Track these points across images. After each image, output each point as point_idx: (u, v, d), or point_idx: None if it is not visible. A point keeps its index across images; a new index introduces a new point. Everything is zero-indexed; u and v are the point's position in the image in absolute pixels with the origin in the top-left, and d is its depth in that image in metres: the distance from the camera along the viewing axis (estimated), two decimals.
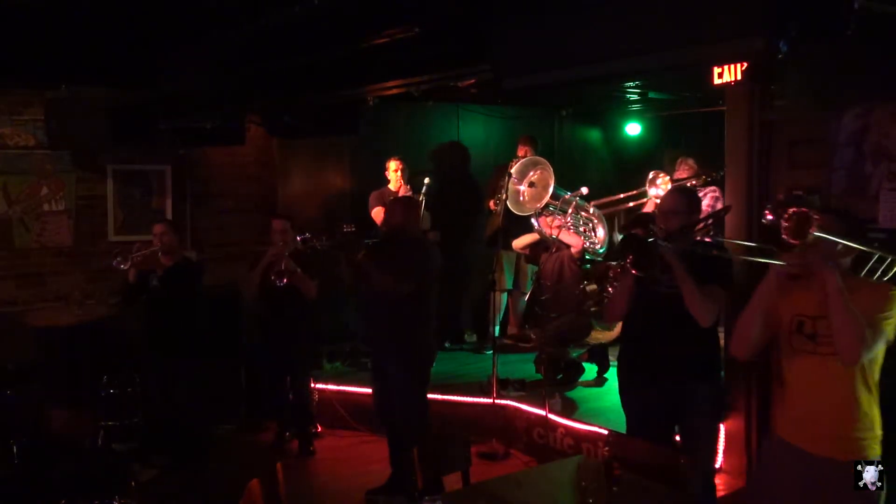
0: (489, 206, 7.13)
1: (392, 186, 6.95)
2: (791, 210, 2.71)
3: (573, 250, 6.12)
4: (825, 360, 2.91)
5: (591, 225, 6.33)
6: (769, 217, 2.74)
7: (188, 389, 5.73)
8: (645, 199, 6.41)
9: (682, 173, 6.48)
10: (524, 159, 6.57)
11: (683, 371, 3.69)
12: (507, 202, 6.43)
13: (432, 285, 4.88)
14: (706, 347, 3.72)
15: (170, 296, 5.60)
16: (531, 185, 6.46)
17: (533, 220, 6.26)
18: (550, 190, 6.22)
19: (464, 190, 7.85)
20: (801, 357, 2.99)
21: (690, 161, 6.55)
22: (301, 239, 5.39)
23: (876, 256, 2.85)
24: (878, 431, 2.93)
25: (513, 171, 6.46)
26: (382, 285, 4.72)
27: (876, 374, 2.91)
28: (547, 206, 6.17)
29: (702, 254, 3.62)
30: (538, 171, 6.44)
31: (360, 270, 4.79)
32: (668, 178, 6.23)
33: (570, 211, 6.14)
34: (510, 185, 6.45)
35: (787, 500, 3.00)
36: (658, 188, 6.19)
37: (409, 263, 4.74)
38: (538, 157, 6.57)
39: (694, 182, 6.19)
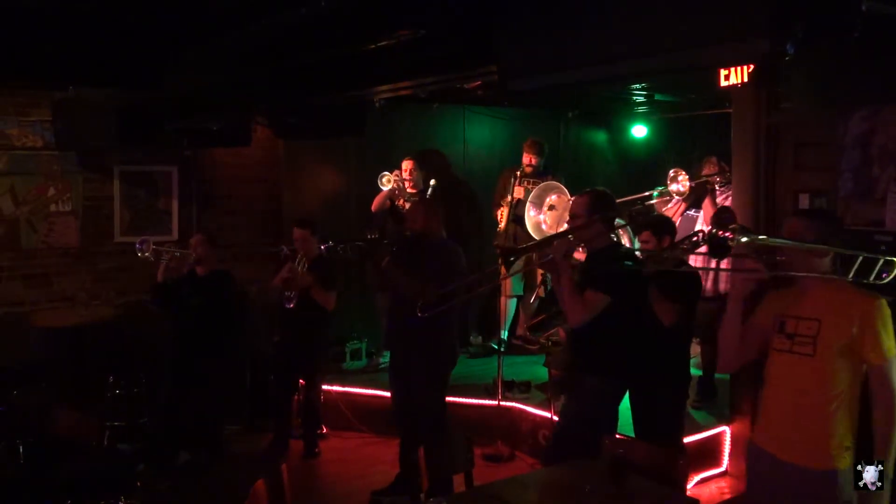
0: (496, 216, 7.15)
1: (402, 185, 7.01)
2: (732, 225, 2.71)
3: None
4: (801, 360, 2.86)
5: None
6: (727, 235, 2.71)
7: (206, 393, 5.79)
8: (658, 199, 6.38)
9: (708, 170, 6.44)
10: (539, 186, 6.53)
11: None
12: (530, 231, 6.45)
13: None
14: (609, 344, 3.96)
15: (202, 305, 5.70)
16: (551, 208, 6.45)
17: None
18: None
19: (468, 191, 7.88)
20: (780, 356, 2.94)
21: (713, 159, 6.50)
22: (325, 248, 5.36)
23: (860, 258, 2.74)
24: (850, 442, 2.83)
25: (528, 201, 6.47)
26: (409, 292, 4.67)
27: (856, 387, 2.83)
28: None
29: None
30: (555, 194, 6.45)
31: (385, 276, 4.81)
32: (687, 175, 6.15)
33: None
34: (529, 217, 6.45)
35: None
36: (679, 185, 6.10)
37: (435, 269, 4.69)
38: (551, 182, 6.56)
39: (718, 179, 6.14)
